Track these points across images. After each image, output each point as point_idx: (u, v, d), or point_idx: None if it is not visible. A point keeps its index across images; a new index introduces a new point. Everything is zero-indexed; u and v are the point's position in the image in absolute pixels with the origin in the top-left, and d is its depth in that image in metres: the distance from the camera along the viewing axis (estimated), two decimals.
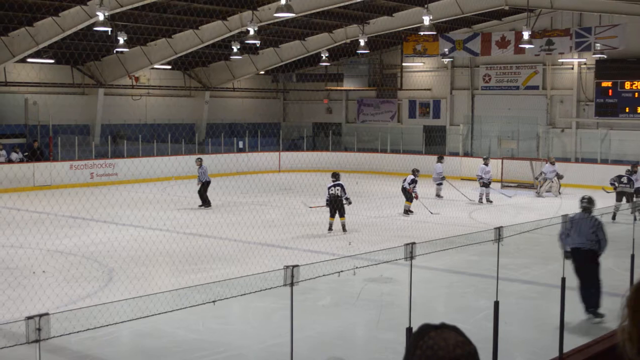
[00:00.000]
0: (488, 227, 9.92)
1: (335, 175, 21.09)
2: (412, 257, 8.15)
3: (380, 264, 12.98)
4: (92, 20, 26.02)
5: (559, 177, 29.93)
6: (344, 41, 36.48)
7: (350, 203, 20.61)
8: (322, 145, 42.21)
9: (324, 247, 18.31)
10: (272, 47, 38.02)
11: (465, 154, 38.67)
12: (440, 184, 28.75)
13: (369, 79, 41.83)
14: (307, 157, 39.80)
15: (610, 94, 34.74)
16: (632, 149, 33.08)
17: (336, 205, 20.49)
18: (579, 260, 12.25)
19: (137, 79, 36.87)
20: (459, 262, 16.01)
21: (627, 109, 34.18)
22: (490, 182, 28.03)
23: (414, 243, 8.23)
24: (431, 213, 23.80)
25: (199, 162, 26.08)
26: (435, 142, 39.91)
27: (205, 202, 25.27)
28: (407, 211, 24.12)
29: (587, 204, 12.64)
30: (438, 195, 28.45)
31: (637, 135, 33.64)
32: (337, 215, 20.57)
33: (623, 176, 24.05)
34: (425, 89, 41.32)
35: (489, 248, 9.76)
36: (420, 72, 41.53)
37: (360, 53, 35.47)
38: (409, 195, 24.09)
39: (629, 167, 24.66)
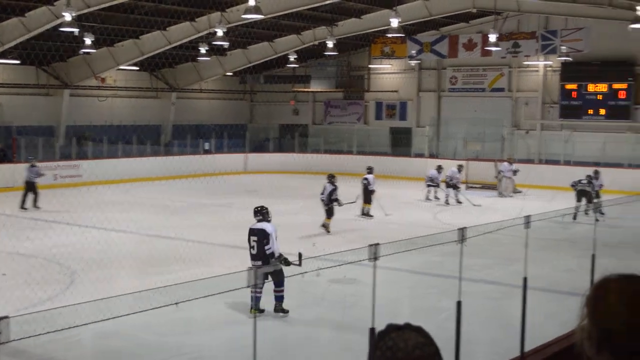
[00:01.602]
0: (452, 228, 9.94)
1: (330, 177, 21.36)
2: (375, 258, 8.15)
3: (344, 265, 13.01)
4: (58, 21, 25.78)
5: (516, 172, 30.39)
6: (312, 43, 36.50)
7: (340, 205, 21.16)
8: (288, 147, 42.17)
9: (288, 248, 18.23)
10: (240, 49, 37.93)
11: (431, 156, 38.83)
12: (456, 187, 28.43)
13: (336, 80, 41.89)
14: (274, 158, 39.78)
15: (574, 96, 35.16)
16: (594, 150, 33.44)
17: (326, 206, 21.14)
18: None
19: (103, 80, 36.59)
20: (423, 262, 16.07)
21: (590, 111, 34.62)
22: (459, 185, 28.34)
23: (377, 244, 8.23)
24: (386, 215, 23.87)
25: (31, 161, 25.80)
26: (401, 143, 40.06)
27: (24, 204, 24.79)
28: (367, 214, 24.16)
29: None
30: (458, 201, 28.20)
31: (599, 137, 34.03)
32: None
33: (583, 179, 24.35)
34: (392, 91, 41.46)
35: (453, 249, 9.79)
36: (387, 74, 41.67)
37: (328, 55, 35.52)
38: (369, 196, 24.15)
39: (591, 173, 24.91)
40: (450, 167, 29.25)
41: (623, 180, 28.38)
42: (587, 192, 23.91)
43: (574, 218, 21.85)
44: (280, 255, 12.50)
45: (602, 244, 14.84)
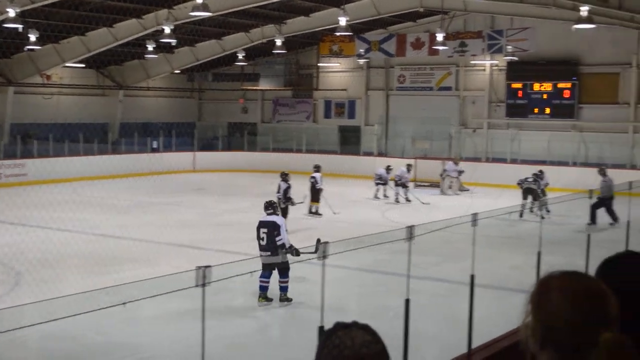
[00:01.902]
0: (400, 226, 10.00)
1: (284, 175, 21.23)
2: (324, 257, 8.17)
3: (294, 263, 13.03)
4: (2, 17, 25.28)
5: (460, 173, 30.86)
6: (260, 41, 36.41)
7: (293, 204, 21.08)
8: (237, 145, 42.03)
9: (237, 247, 18.22)
10: (187, 46, 37.68)
11: (380, 154, 39.03)
12: (405, 186, 28.66)
13: (285, 79, 41.87)
14: (223, 156, 39.62)
15: (520, 95, 35.64)
16: (540, 149, 33.94)
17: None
18: None
19: (48, 77, 36.05)
20: (372, 261, 16.12)
21: (535, 110, 35.13)
22: (408, 184, 28.58)
23: (326, 242, 8.25)
24: (334, 213, 23.93)
25: None
26: (350, 142, 40.19)
27: None
28: (316, 213, 24.20)
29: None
30: (407, 200, 28.32)
31: (544, 136, 34.57)
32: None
33: (529, 177, 24.77)
34: (340, 89, 41.56)
35: (401, 247, 9.84)
36: (336, 73, 41.77)
37: (277, 53, 35.45)
38: (317, 195, 24.19)
39: (536, 172, 25.30)
40: (399, 165, 29.47)
41: (568, 178, 28.81)
42: (533, 190, 24.27)
43: (521, 216, 22.14)
44: (291, 246, 13.17)
45: (548, 241, 15.05)
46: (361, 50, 37.59)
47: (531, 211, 22.71)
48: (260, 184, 24.22)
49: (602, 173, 24.19)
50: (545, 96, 34.99)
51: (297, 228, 21.17)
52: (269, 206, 13.83)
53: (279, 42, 32.85)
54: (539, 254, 13.55)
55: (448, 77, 38.41)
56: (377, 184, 28.98)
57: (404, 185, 28.38)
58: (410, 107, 38.84)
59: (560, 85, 34.60)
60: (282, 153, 39.40)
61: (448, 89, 38.39)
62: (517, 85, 35.71)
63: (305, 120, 42.98)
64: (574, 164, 33.11)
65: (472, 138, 37.33)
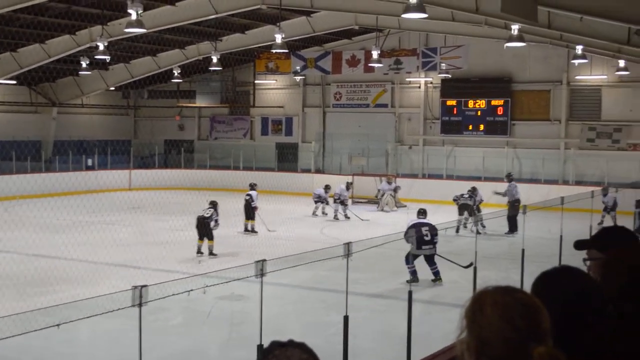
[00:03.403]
0: (338, 243, 10.06)
1: (212, 202, 20.88)
2: (262, 274, 8.18)
3: (231, 282, 12.97)
4: None
5: (396, 190, 31.20)
6: (196, 58, 36.25)
7: (217, 226, 20.37)
8: (174, 163, 41.72)
9: (174, 266, 18.08)
10: (122, 63, 37.29)
11: (318, 171, 39.13)
12: (344, 204, 28.80)
13: (221, 95, 41.65)
14: (159, 174, 39.14)
15: (455, 112, 36.10)
16: (475, 164, 34.43)
17: (203, 228, 20.19)
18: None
19: None
20: (310, 277, 16.16)
21: (470, 126, 35.61)
22: (347, 202, 28.75)
23: (264, 260, 8.26)
24: (269, 230, 23.94)
25: None
26: (287, 159, 40.22)
27: None
28: (252, 230, 24.19)
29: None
30: (346, 217, 28.53)
31: (479, 152, 34.98)
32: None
33: (465, 193, 25.20)
34: (277, 106, 41.61)
35: (340, 263, 9.90)
36: (272, 90, 41.80)
37: (213, 70, 35.30)
38: (253, 212, 24.18)
39: (470, 189, 25.71)
40: (337, 183, 29.60)
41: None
42: (468, 206, 24.66)
43: (457, 231, 22.42)
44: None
45: (483, 256, 15.32)
46: (297, 67, 37.69)
47: (465, 227, 23.09)
48: (197, 201, 24.08)
49: (509, 179, 25.48)
50: (479, 113, 35.50)
51: (234, 247, 21.10)
52: (423, 212, 17.70)
53: (214, 59, 32.74)
54: (474, 269, 13.78)
55: (384, 94, 38.72)
56: (316, 201, 29.09)
57: (343, 203, 28.54)
58: (347, 124, 39.03)
59: (494, 102, 35.13)
60: (219, 170, 39.23)
61: (384, 105, 38.69)
62: (451, 102, 36.16)
63: (243, 137, 42.88)
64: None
65: (409, 155, 37.67)
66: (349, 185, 29.70)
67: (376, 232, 18.81)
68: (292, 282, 15.37)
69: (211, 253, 19.96)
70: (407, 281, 15.20)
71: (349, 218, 28.23)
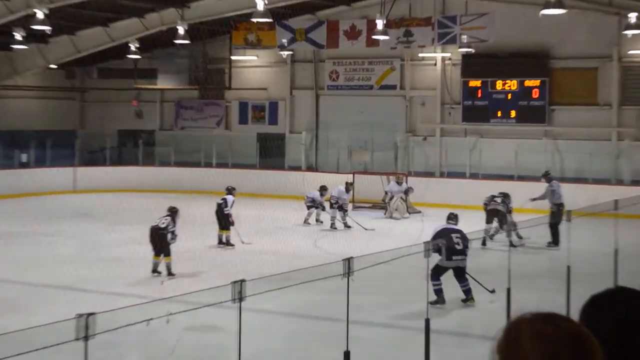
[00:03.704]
0: (336, 259, 9.89)
1: (172, 209, 20.64)
2: (241, 299, 8.08)
3: (202, 308, 12.73)
4: None
5: (407, 192, 31.01)
6: (158, 28, 36.14)
7: (174, 239, 20.03)
8: (130, 159, 41.62)
9: (129, 288, 17.90)
10: (66, 35, 37.16)
11: (309, 168, 39.02)
12: (344, 209, 28.64)
13: (189, 75, 41.62)
14: (112, 173, 39.11)
15: (479, 95, 36.02)
16: (504, 160, 34.30)
17: (158, 241, 19.84)
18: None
19: None
20: (301, 303, 16.02)
21: (498, 113, 35.51)
22: (346, 206, 28.63)
23: (243, 280, 8.12)
24: (243, 243, 23.80)
25: None
26: (272, 153, 40.08)
27: None
28: (228, 243, 24.03)
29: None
30: (346, 225, 28.41)
31: (510, 145, 34.86)
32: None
33: (497, 196, 24.85)
34: (259, 89, 41.52)
35: (338, 284, 9.73)
36: (253, 68, 41.72)
37: (179, 44, 35.17)
38: (228, 221, 23.98)
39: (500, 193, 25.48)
40: (334, 184, 29.46)
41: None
42: (499, 212, 24.32)
43: (483, 243, 22.28)
44: None
45: (519, 274, 15.13)
46: (284, 40, 37.53)
47: (491, 238, 22.94)
48: (159, 207, 23.81)
49: (547, 178, 25.18)
50: (509, 96, 35.42)
51: (205, 264, 20.90)
52: (455, 217, 17.94)
53: (181, 30, 32.62)
54: (508, 291, 13.58)
55: (391, 74, 38.65)
56: (309, 207, 28.88)
57: (342, 208, 28.39)
58: (345, 110, 38.93)
59: (528, 83, 35.07)
60: (186, 168, 39.07)
61: (391, 87, 38.61)
62: (475, 83, 36.08)
63: (216, 126, 42.78)
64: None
65: (423, 148, 37.59)
66: (348, 187, 29.55)
67: (383, 245, 18.68)
68: (278, 308, 15.24)
69: (169, 273, 19.65)
70: (431, 303, 15.01)
71: (349, 227, 28.12)
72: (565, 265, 15.22)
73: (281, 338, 14.74)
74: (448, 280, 16.43)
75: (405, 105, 38.44)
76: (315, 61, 40.33)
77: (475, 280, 16.58)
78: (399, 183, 31.78)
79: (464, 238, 16.53)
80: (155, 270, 19.78)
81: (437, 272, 16.03)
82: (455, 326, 15.22)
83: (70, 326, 6.73)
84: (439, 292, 16.07)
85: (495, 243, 22.71)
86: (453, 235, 16.56)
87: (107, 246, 23.62)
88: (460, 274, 16.57)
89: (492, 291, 16.31)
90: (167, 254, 19.76)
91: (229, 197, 24.34)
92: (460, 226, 17.44)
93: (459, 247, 16.40)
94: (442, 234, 16.61)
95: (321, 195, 28.93)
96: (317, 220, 28.88)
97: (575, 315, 2.59)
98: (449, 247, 16.05)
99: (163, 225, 19.86)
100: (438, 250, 15.54)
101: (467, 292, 16.58)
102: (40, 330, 7.16)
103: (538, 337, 2.25)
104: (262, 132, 41.56)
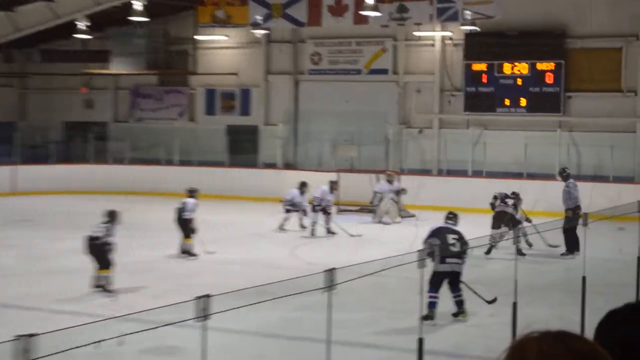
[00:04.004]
0: (317, 270, 9.96)
1: (110, 213, 20.56)
2: (205, 317, 8.10)
3: (161, 328, 12.80)
4: None
5: (399, 193, 31.02)
6: (111, 3, 36.09)
7: (111, 251, 19.84)
8: (79, 155, 41.54)
9: (76, 305, 17.92)
10: (2, 11, 37.09)
11: (288, 166, 39.03)
12: (327, 212, 28.68)
13: (147, 58, 41.54)
14: (57, 172, 39.04)
15: (484, 80, 36.05)
16: (512, 155, 34.40)
17: (94, 252, 19.67)
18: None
19: None
20: (276, 320, 16.06)
21: (506, 101, 35.55)
22: (330, 209, 28.66)
23: (208, 296, 8.16)
24: (206, 252, 23.78)
25: None
26: (243, 148, 40.10)
27: None
28: (189, 253, 23.97)
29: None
30: (330, 232, 28.43)
31: (519, 137, 34.89)
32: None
33: (509, 196, 24.73)
34: (229, 74, 41.51)
35: (318, 299, 9.79)
36: (222, 50, 41.74)
37: (136, 21, 35.16)
38: (190, 228, 23.91)
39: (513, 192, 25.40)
40: (317, 183, 29.46)
41: (554, 197, 29.11)
42: (506, 215, 24.25)
43: (487, 252, 22.36)
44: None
45: (527, 286, 15.25)
46: (257, 17, 37.51)
47: (494, 246, 22.98)
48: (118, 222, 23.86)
49: (564, 176, 25.13)
50: (519, 82, 35.48)
51: (164, 277, 20.93)
52: (456, 216, 17.75)
53: (138, 5, 32.61)
54: (514, 306, 13.68)
55: (382, 56, 38.71)
56: (288, 211, 28.83)
57: (325, 211, 28.38)
58: (329, 98, 38.98)
59: (541, 66, 35.15)
60: (144, 166, 39.06)
61: (383, 72, 38.69)
62: (479, 66, 36.13)
63: (178, 118, 42.77)
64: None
65: (418, 142, 37.66)
66: (333, 187, 29.48)
67: (371, 254, 18.70)
68: (249, 327, 15.29)
69: (106, 289, 19.40)
70: (422, 317, 15.18)
71: (333, 233, 28.12)
72: (580, 276, 15.31)
73: None
74: (443, 292, 16.50)
75: (398, 93, 38.48)
76: (295, 41, 40.36)
77: (471, 289, 16.60)
78: (390, 182, 31.80)
79: (462, 240, 16.56)
80: (97, 286, 19.61)
81: (434, 281, 16.04)
82: (452, 346, 15.29)
83: (7, 349, 6.77)
84: (432, 305, 15.93)
85: (497, 252, 22.72)
86: (449, 235, 16.65)
87: (51, 257, 23.61)
88: (455, 282, 16.49)
89: (492, 301, 16.35)
90: (105, 267, 19.40)
91: (189, 201, 24.20)
92: (461, 228, 17.45)
93: (454, 249, 16.44)
94: (437, 233, 16.72)
95: (301, 193, 28.86)
96: (301, 226, 28.76)
97: (590, 333, 2.62)
98: (443, 248, 16.02)
99: (98, 235, 19.57)
100: (430, 253, 15.26)
101: (459, 303, 16.50)
102: None
103: (546, 358, 2.25)
104: (232, 124, 41.55)
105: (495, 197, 24.82)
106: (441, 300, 16.36)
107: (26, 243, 25.86)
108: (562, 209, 24.38)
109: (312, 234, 28.07)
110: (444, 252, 15.95)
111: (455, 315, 16.49)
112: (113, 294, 19.19)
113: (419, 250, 13.12)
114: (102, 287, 19.44)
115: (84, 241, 19.65)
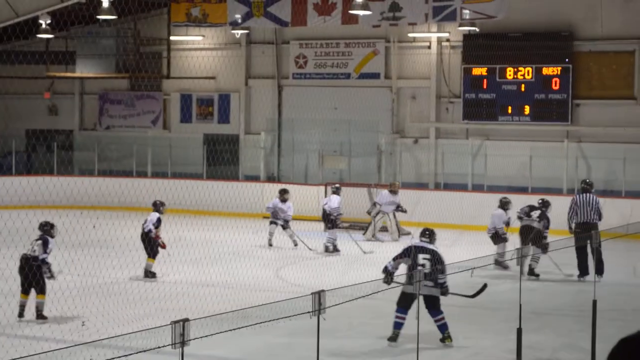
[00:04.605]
0: (304, 292, 9.99)
1: (43, 226, 20.43)
2: (183, 343, 8.13)
3: (134, 355, 12.82)
4: None
5: (400, 210, 30.97)
6: (76, 0, 36.11)
7: (52, 276, 19.39)
8: (42, 167, 41.43)
9: (42, 329, 17.89)
10: None
11: (270, 179, 39.04)
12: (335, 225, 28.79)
13: (117, 60, 41.49)
14: (18, 185, 38.82)
15: (485, 86, 36.09)
16: (515, 167, 34.44)
17: (30, 273, 19.29)
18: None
19: None
20: (259, 347, 16.07)
21: (509, 108, 35.56)
22: (338, 221, 28.87)
23: (186, 320, 8.18)
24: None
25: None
26: (222, 159, 40.05)
27: None
28: (148, 272, 23.93)
29: (587, 185, 24.85)
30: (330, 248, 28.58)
31: (523, 148, 34.93)
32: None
33: (535, 207, 24.50)
34: (206, 78, 41.53)
35: (306, 324, 9.82)
36: (198, 52, 41.71)
37: (103, 20, 35.17)
38: (154, 246, 23.87)
39: (540, 199, 25.26)
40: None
41: (561, 213, 29.16)
42: (531, 230, 23.98)
43: (530, 273, 22.37)
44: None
45: (533, 311, 15.29)
46: (237, 16, 37.45)
47: (519, 264, 22.90)
48: (78, 227, 23.69)
49: (585, 189, 24.99)
50: (523, 88, 35.51)
51: (138, 300, 20.91)
52: (432, 234, 17.66)
53: (105, 2, 32.62)
54: (518, 332, 13.73)
55: (373, 59, 38.77)
56: (272, 222, 28.92)
57: (334, 224, 28.62)
58: (315, 105, 38.92)
59: (547, 70, 35.20)
60: (113, 178, 39.02)
61: (374, 76, 38.73)
62: (479, 70, 36.20)
63: (151, 126, 42.77)
64: (570, 191, 33.51)
65: (413, 153, 37.71)
66: (337, 192, 29.66)
67: (363, 275, 18.73)
68: (230, 354, 15.31)
69: (39, 315, 19.01)
70: (388, 339, 15.50)
71: (337, 251, 28.50)
72: (590, 300, 15.36)
73: None
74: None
75: (391, 99, 38.55)
76: (277, 43, 40.43)
77: (455, 293, 16.68)
78: (392, 192, 31.55)
79: (436, 260, 16.73)
80: (21, 314, 18.99)
81: (401, 301, 16.43)
82: None
83: None
84: (396, 326, 16.40)
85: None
86: (420, 255, 16.81)
87: (13, 277, 23.58)
88: (431, 305, 16.43)
89: (476, 294, 16.46)
90: (41, 290, 19.14)
91: (153, 216, 24.12)
92: (452, 253, 17.51)
93: (424, 270, 16.17)
94: (408, 251, 16.92)
95: (282, 200, 28.92)
96: (294, 244, 28.82)
97: None
98: (411, 267, 16.36)
99: (35, 254, 19.20)
100: (390, 274, 16.22)
101: (442, 327, 16.58)
102: None
103: None
104: (209, 133, 41.58)
105: (519, 217, 24.66)
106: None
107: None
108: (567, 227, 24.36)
109: (327, 250, 28.52)
110: (412, 272, 15.94)
111: (442, 340, 16.54)
112: (46, 320, 18.84)
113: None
114: (40, 313, 19.14)
115: (21, 260, 19.35)
